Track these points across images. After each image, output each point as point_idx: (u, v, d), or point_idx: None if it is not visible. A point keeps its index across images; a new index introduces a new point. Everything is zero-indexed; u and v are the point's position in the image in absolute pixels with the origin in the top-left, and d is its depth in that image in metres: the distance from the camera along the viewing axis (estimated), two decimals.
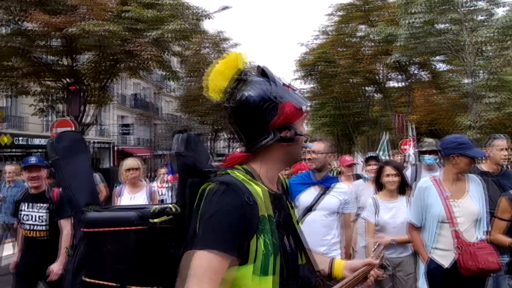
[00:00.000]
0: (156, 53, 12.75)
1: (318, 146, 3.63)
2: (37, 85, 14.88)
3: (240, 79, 1.41)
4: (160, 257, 1.53)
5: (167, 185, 8.63)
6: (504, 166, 4.25)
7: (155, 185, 7.46)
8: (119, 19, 13.13)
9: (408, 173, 5.72)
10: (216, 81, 1.41)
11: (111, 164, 26.49)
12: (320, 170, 3.67)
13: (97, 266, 1.60)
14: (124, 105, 31.32)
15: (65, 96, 14.24)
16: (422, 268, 3.32)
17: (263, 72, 1.46)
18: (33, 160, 4.25)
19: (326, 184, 3.67)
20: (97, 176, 7.99)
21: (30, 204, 4.14)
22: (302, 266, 1.46)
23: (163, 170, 9.34)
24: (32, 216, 4.10)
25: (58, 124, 12.88)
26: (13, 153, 19.79)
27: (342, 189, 3.72)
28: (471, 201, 3.23)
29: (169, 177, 9.80)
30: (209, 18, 15.28)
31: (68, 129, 12.58)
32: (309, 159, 3.61)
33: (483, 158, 4.18)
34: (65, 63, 14.51)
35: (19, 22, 12.76)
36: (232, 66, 1.41)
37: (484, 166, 4.18)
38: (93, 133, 24.46)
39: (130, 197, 5.02)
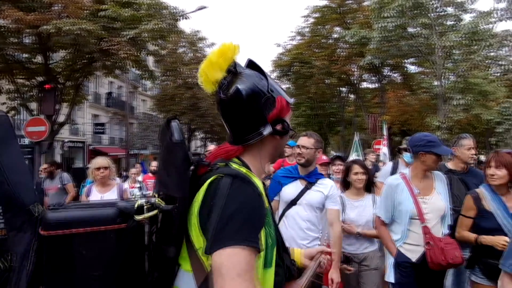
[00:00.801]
0: (132, 52, 12.66)
1: (306, 141, 3.62)
2: (9, 83, 14.53)
3: (233, 71, 1.38)
4: (143, 259, 1.39)
5: (138, 185, 8.67)
6: (471, 164, 4.34)
7: (127, 185, 7.40)
8: (95, 18, 12.96)
9: (388, 168, 5.81)
10: (210, 71, 1.37)
11: (84, 164, 26.03)
12: (307, 165, 3.64)
13: (64, 276, 1.33)
14: (98, 104, 30.84)
15: (39, 95, 13.98)
16: (390, 260, 3.39)
17: (251, 65, 1.45)
18: None
19: (311, 179, 3.64)
20: (65, 175, 8.08)
21: None
22: (285, 255, 1.48)
23: (134, 170, 9.38)
24: None
25: (31, 123, 12.68)
26: None
27: (326, 184, 3.64)
28: (438, 197, 3.33)
29: (144, 176, 9.83)
30: (186, 18, 15.26)
31: (42, 128, 12.43)
32: (298, 153, 3.60)
33: (450, 156, 4.35)
34: (39, 61, 14.24)
35: None
36: (227, 57, 1.37)
37: (450, 165, 4.30)
38: (65, 132, 23.99)
39: (100, 196, 4.97)
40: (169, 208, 1.30)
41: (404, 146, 5.42)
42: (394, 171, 5.39)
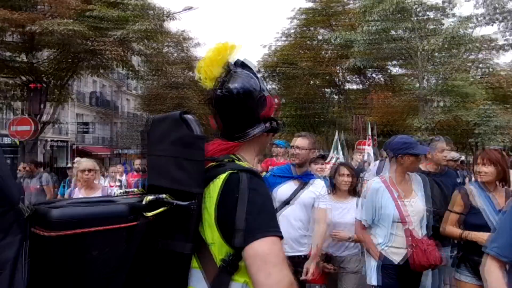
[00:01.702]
0: (119, 52, 12.69)
1: (302, 142, 3.63)
2: None
3: (229, 69, 1.44)
4: (153, 254, 1.33)
5: (119, 184, 8.60)
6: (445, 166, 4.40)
7: (107, 184, 7.33)
8: (82, 18, 12.97)
9: (374, 169, 5.82)
10: (210, 68, 1.43)
11: (68, 163, 25.81)
12: (302, 165, 3.66)
13: (71, 281, 1.21)
14: (83, 103, 30.58)
15: (24, 94, 13.89)
16: (372, 264, 3.37)
17: (243, 65, 1.49)
18: None
19: (305, 179, 3.66)
20: (44, 176, 7.89)
21: None
22: None
23: (114, 169, 9.15)
24: None
25: (17, 122, 12.60)
26: None
27: (319, 185, 3.68)
28: (418, 199, 3.36)
29: (128, 175, 9.75)
30: (173, 19, 15.35)
31: (27, 128, 12.36)
32: (293, 154, 3.63)
33: (425, 157, 4.30)
34: (24, 60, 14.15)
35: None
36: (225, 56, 1.44)
37: (423, 166, 4.27)
38: (49, 131, 23.77)
39: None
40: (185, 204, 1.26)
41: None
42: (380, 171, 5.39)
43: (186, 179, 1.29)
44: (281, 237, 1.25)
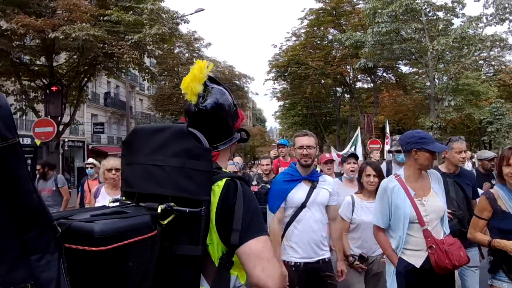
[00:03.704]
0: (136, 56, 13.08)
1: (309, 140, 3.49)
2: (15, 85, 14.90)
3: (206, 85, 1.58)
4: (163, 259, 1.38)
5: None
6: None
7: None
8: (98, 22, 13.41)
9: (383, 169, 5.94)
10: (194, 85, 1.55)
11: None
12: (311, 164, 3.53)
13: None
14: (97, 103, 31.14)
15: (44, 96, 14.40)
16: (391, 269, 3.16)
17: (216, 81, 1.65)
18: None
19: (315, 178, 3.53)
20: (59, 178, 7.75)
21: None
22: None
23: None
24: None
25: (38, 124, 13.05)
26: None
27: (328, 181, 3.59)
28: (436, 197, 3.12)
29: None
30: (186, 22, 15.72)
31: (50, 129, 12.81)
32: (304, 154, 3.45)
33: (443, 157, 4.21)
34: (43, 63, 14.62)
35: None
36: (205, 73, 1.56)
37: (442, 167, 4.15)
38: (65, 132, 24.34)
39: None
40: (197, 210, 1.34)
41: (393, 148, 5.36)
42: (388, 172, 5.26)
43: (195, 188, 1.37)
44: (269, 235, 1.47)
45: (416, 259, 3.03)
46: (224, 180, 1.43)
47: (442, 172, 3.86)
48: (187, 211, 1.34)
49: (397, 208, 3.07)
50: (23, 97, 15.14)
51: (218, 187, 1.42)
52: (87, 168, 8.38)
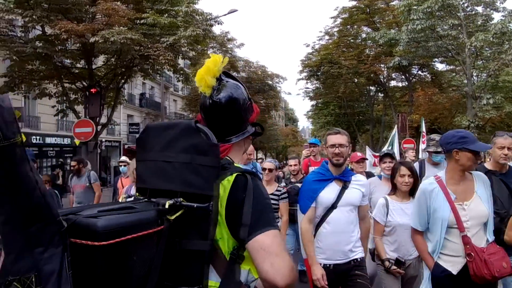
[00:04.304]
0: (171, 58, 13.41)
1: (342, 139, 3.38)
2: (56, 87, 15.56)
3: (221, 79, 1.60)
4: (171, 254, 1.42)
5: None
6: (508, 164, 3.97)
7: None
8: (135, 25, 13.83)
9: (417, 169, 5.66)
10: (208, 77, 1.56)
11: None
12: (343, 164, 3.41)
13: (116, 285, 1.28)
14: (132, 104, 31.98)
15: (84, 98, 14.97)
16: (427, 273, 3.05)
17: (231, 76, 1.67)
18: None
19: (347, 177, 3.43)
20: (92, 174, 7.97)
21: None
22: None
23: None
24: None
25: (78, 124, 13.61)
26: None
27: (361, 181, 3.49)
28: (480, 202, 2.93)
29: None
30: (219, 24, 15.96)
31: (89, 129, 13.33)
32: (336, 153, 3.33)
33: (489, 156, 3.95)
34: (83, 66, 15.21)
35: (42, 28, 13.47)
36: (219, 67, 1.57)
37: (488, 165, 3.97)
38: (103, 132, 25.13)
39: None
40: (205, 205, 1.37)
41: (431, 149, 5.14)
42: (420, 171, 5.08)
43: (203, 183, 1.40)
44: (279, 230, 1.52)
45: (453, 266, 2.89)
46: (234, 175, 1.43)
47: (487, 170, 3.74)
48: (195, 206, 1.37)
49: (435, 212, 2.94)
50: (64, 98, 15.77)
51: (228, 181, 1.42)
52: (120, 166, 8.71)
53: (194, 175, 1.41)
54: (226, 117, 1.57)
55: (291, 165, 6.57)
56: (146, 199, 1.49)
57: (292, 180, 6.45)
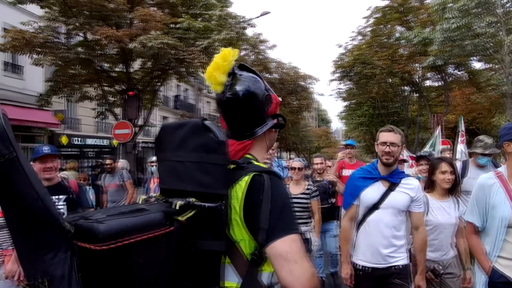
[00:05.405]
0: (206, 61, 13.80)
1: (394, 137, 3.19)
2: (95, 90, 16.27)
3: (234, 73, 1.54)
4: (187, 255, 1.41)
5: None
6: None
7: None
8: (170, 30, 14.29)
9: (459, 168, 5.12)
10: (217, 74, 1.51)
11: None
12: (393, 163, 3.23)
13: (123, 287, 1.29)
14: (167, 106, 32.73)
15: (122, 100, 15.60)
16: (480, 277, 2.86)
17: (246, 68, 1.61)
18: (46, 149, 3.80)
19: (394, 179, 3.23)
20: (124, 173, 8.15)
21: None
22: None
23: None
24: None
25: (117, 126, 14.20)
26: (70, 152, 21.00)
27: (411, 184, 3.24)
28: None
29: None
30: (252, 26, 16.23)
31: (127, 131, 13.86)
32: (386, 152, 3.17)
33: None
34: (121, 70, 15.83)
35: (84, 34, 14.15)
36: (229, 61, 1.52)
37: None
38: (139, 134, 25.87)
39: None
40: (215, 205, 1.34)
41: (479, 151, 4.82)
42: (463, 171, 4.97)
43: (212, 182, 1.37)
44: (300, 233, 1.39)
45: (511, 271, 2.67)
46: (250, 175, 1.39)
47: None
48: (206, 206, 1.34)
49: (494, 209, 2.74)
50: (104, 101, 16.43)
51: (243, 181, 1.39)
52: (151, 166, 8.97)
53: (204, 174, 1.39)
54: (243, 112, 1.53)
55: (316, 163, 6.51)
56: (164, 200, 1.48)
57: (318, 178, 6.40)
